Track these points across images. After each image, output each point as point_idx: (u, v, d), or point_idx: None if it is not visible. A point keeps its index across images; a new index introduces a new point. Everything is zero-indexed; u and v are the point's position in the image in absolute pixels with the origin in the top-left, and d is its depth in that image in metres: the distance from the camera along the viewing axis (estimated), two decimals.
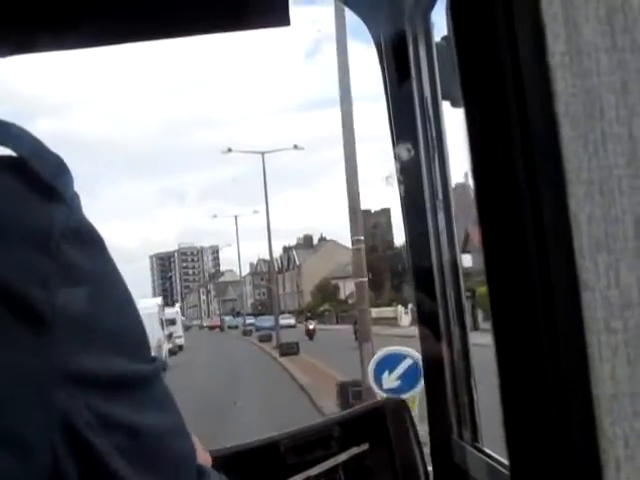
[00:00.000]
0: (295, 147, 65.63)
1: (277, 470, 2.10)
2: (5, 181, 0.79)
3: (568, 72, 0.84)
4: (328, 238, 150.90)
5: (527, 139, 0.85)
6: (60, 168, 0.84)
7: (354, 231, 17.63)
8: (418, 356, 5.86)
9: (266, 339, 63.51)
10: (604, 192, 0.83)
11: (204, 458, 1.20)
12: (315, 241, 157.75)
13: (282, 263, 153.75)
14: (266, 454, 2.14)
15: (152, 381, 0.85)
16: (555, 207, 0.83)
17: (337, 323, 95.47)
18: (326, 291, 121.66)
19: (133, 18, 1.96)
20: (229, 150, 64.74)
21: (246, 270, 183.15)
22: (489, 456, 1.94)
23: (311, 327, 63.90)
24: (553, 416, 0.86)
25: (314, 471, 2.09)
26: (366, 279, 17.63)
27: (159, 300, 57.48)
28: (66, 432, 0.77)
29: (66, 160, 0.85)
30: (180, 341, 63.85)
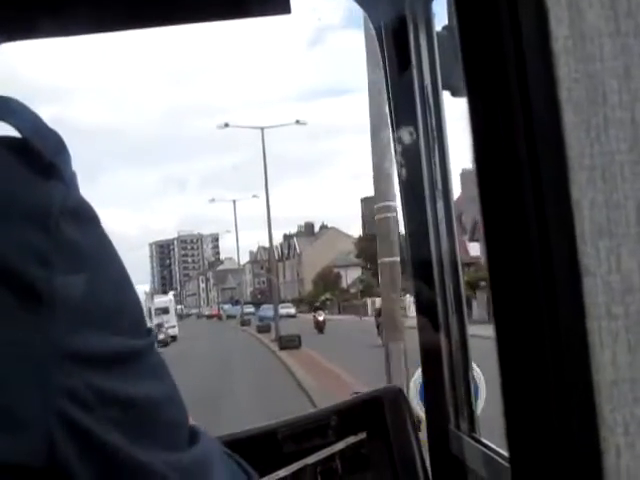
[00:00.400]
0: (297, 122, 60.84)
1: (274, 458, 2.10)
2: (4, 158, 0.79)
3: (571, 57, 0.83)
4: (330, 226, 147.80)
5: (529, 125, 0.85)
6: (60, 146, 0.84)
7: (380, 196, 12.37)
8: (480, 373, 5.21)
9: (265, 330, 59.36)
10: (606, 178, 0.83)
11: None
12: (316, 229, 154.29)
13: (282, 251, 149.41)
14: (263, 442, 2.14)
15: (147, 352, 0.85)
16: (557, 193, 0.83)
17: (339, 313, 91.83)
18: (327, 280, 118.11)
19: (132, 5, 1.96)
20: (226, 125, 59.89)
21: (246, 258, 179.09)
22: (486, 446, 1.94)
23: (321, 319, 57.19)
24: (553, 403, 0.85)
25: (311, 459, 2.09)
26: (398, 259, 12.30)
27: (147, 287, 54.09)
28: (63, 410, 0.76)
29: (70, 147, 0.85)
30: (173, 331, 59.30)
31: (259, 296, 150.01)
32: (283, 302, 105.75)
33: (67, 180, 0.82)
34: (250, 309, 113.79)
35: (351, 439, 2.14)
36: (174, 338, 57.89)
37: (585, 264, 0.82)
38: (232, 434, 2.14)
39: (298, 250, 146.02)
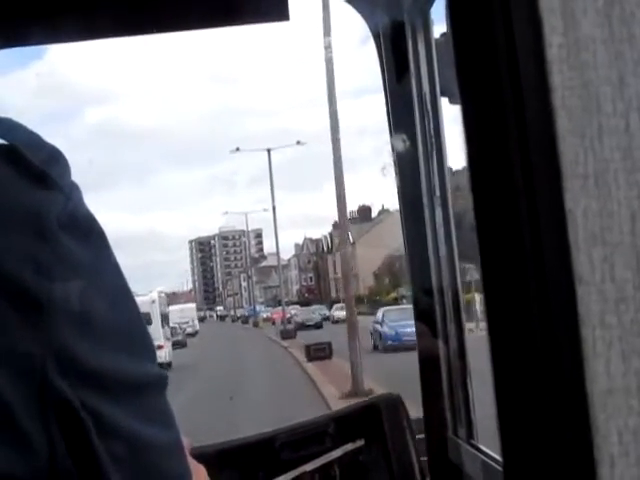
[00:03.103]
0: None
1: (272, 465, 2.10)
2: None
3: (565, 65, 0.83)
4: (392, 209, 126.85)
5: (523, 132, 0.84)
6: (55, 157, 0.84)
7: None
8: None
9: (320, 355, 31.16)
10: (600, 186, 0.83)
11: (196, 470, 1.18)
12: (374, 214, 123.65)
13: (332, 241, 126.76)
14: (261, 449, 2.14)
15: (152, 390, 0.83)
16: (551, 201, 0.83)
17: None
18: (395, 272, 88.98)
19: (132, 11, 1.96)
20: None
21: (291, 252, 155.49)
22: (484, 453, 1.93)
23: None
24: (547, 412, 0.85)
25: (309, 467, 2.09)
26: None
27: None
28: (61, 421, 0.76)
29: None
30: (163, 356, 33.65)
31: (306, 295, 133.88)
32: (336, 302, 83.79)
33: (66, 191, 0.82)
34: (294, 310, 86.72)
35: (349, 446, 2.14)
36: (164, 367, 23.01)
37: (579, 273, 0.82)
38: (230, 441, 2.14)
39: (351, 239, 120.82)
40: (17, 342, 0.75)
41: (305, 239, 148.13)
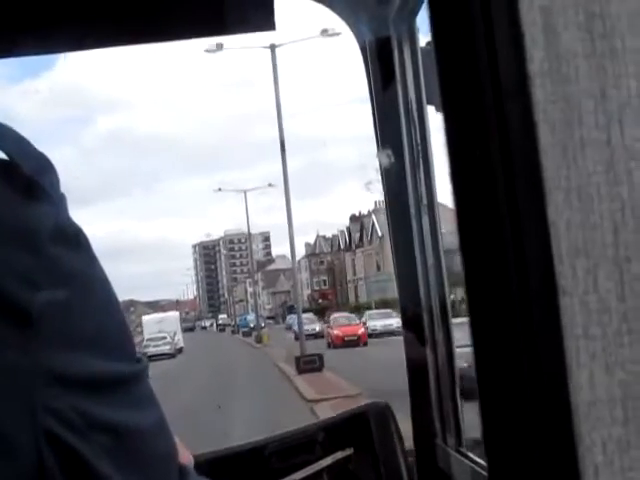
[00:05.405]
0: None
1: (261, 474, 2.10)
2: None
3: (547, 78, 0.84)
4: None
5: (506, 146, 0.85)
6: (47, 168, 0.84)
7: None
8: None
9: None
10: (583, 199, 0.83)
11: (185, 457, 1.19)
12: None
13: (350, 237, 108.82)
14: (251, 458, 2.14)
15: (137, 381, 0.84)
16: (534, 213, 0.84)
17: None
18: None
19: (116, 22, 1.96)
20: None
21: (302, 253, 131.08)
22: (473, 461, 1.94)
23: None
24: (532, 422, 0.86)
25: (298, 475, 2.09)
26: None
27: None
28: (51, 433, 0.76)
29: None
30: None
31: (320, 300, 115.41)
32: (368, 309, 68.75)
33: (56, 202, 0.82)
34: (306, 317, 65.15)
35: (338, 455, 2.14)
36: None
37: (562, 284, 0.83)
38: (219, 450, 2.13)
39: (380, 233, 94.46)
40: (5, 354, 0.75)
41: (317, 237, 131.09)
